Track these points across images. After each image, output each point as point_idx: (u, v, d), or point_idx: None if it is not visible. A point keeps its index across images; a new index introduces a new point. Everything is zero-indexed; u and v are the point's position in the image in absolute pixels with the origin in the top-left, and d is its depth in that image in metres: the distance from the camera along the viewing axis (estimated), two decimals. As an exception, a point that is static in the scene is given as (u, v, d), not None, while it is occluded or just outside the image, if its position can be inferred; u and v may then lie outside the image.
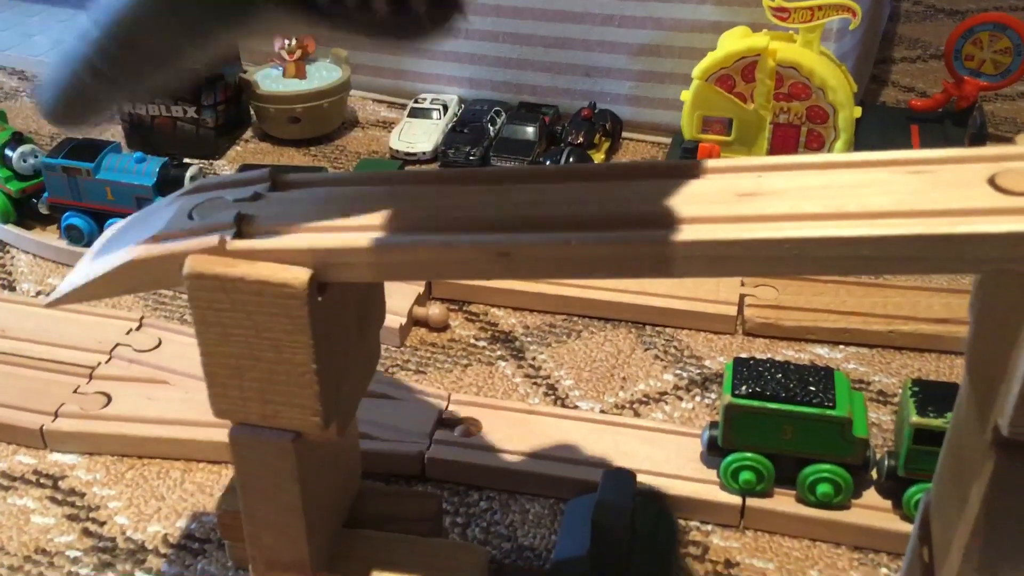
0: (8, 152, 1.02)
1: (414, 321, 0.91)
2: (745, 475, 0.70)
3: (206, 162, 1.18)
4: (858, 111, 1.03)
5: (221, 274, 0.49)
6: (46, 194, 1.01)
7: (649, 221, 0.47)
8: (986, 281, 0.48)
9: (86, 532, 0.71)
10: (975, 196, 0.44)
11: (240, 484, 0.57)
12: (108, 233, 0.60)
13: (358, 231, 0.49)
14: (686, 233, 0.46)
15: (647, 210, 0.48)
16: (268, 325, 0.50)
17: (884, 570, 0.68)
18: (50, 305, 0.57)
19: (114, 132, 1.22)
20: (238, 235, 0.50)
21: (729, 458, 0.70)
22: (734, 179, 0.49)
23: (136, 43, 0.42)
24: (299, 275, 0.49)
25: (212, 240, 0.50)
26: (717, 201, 0.47)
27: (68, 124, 0.47)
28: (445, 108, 1.23)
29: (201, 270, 0.49)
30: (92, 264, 0.56)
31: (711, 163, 0.50)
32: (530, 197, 0.50)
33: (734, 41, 1.03)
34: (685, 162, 0.52)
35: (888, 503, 0.70)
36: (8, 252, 1.03)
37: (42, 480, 0.75)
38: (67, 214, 0.99)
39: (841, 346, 0.87)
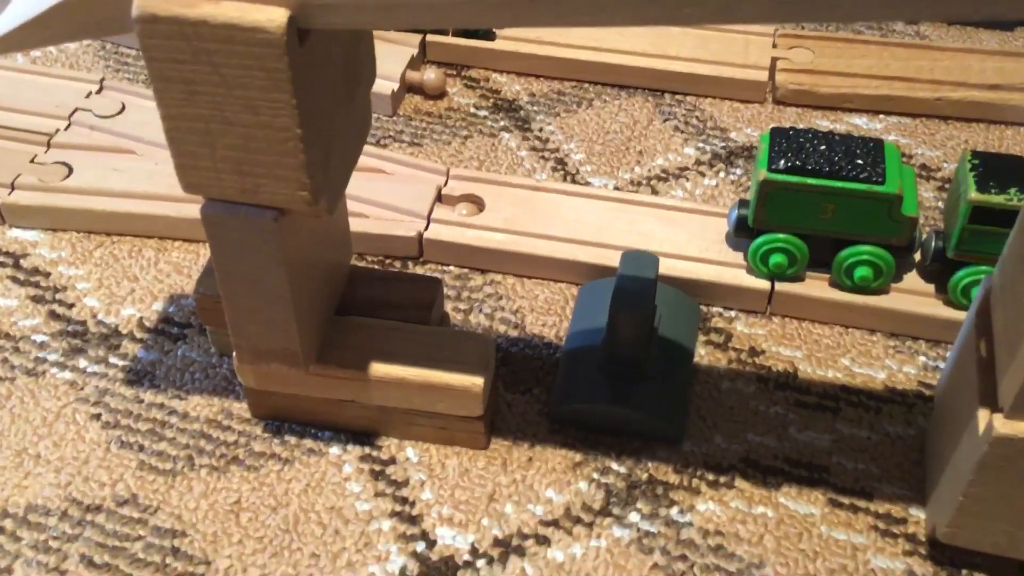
0: None
1: (407, 87, 0.82)
2: (776, 258, 0.63)
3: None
4: None
5: (179, 16, 0.41)
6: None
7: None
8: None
9: (53, 315, 0.65)
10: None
11: (218, 269, 0.51)
12: None
13: (342, -38, 0.40)
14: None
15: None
16: (240, 80, 0.42)
17: (922, 358, 0.63)
18: None
19: None
20: None
21: (759, 240, 0.63)
22: None
23: None
24: (274, 16, 0.40)
25: None
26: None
27: None
28: None
29: (154, 11, 0.41)
30: (23, 5, 0.47)
31: None
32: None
33: None
34: None
35: (931, 287, 0.64)
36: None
37: (2, 259, 0.69)
38: (11, -38, 0.88)
39: (882, 116, 0.79)
